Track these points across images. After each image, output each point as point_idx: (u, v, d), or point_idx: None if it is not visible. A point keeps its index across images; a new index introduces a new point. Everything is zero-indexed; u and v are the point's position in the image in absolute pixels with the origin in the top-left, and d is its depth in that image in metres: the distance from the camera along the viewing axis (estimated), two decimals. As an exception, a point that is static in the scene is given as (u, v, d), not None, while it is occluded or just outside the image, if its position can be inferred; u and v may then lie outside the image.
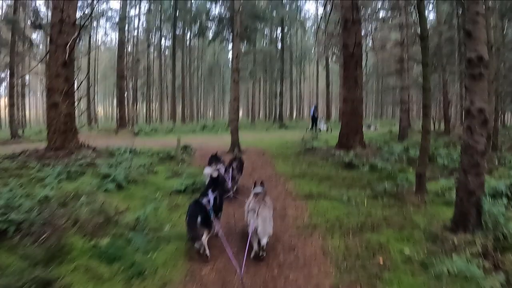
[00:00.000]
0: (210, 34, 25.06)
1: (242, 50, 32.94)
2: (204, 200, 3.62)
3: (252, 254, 3.31)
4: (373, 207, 4.92)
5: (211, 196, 3.73)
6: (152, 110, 47.87)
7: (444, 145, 11.29)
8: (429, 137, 5.72)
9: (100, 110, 69.26)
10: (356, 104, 9.76)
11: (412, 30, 15.38)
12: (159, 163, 8.72)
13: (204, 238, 3.41)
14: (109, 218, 4.10)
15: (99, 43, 40.88)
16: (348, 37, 9.80)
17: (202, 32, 24.73)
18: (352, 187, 6.12)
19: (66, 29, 9.54)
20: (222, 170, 5.82)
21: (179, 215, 4.62)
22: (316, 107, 20.70)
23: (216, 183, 4.17)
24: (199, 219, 3.35)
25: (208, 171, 5.42)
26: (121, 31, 24.64)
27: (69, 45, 9.18)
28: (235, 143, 10.93)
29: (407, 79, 14.36)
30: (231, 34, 17.50)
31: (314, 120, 19.74)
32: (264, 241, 3.22)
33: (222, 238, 3.42)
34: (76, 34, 9.36)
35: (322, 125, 20.59)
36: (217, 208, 3.81)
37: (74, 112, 9.74)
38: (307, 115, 58.21)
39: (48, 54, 9.81)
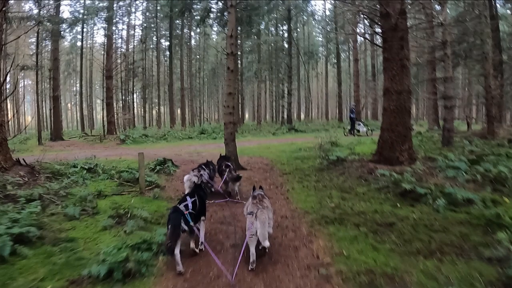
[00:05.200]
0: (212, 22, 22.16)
1: (247, 47, 30.28)
2: (181, 206, 3.41)
3: (250, 266, 3.03)
4: None
5: (189, 200, 3.53)
6: (152, 114, 45.47)
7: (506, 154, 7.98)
8: None
9: (103, 115, 66.94)
10: (403, 97, 6.70)
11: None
12: (116, 190, 5.86)
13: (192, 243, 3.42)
14: None
15: (95, 43, 38.36)
16: (388, 3, 6.84)
17: (188, 9, 21.65)
18: (443, 254, 3.12)
19: (-7, 4, 6.84)
20: (206, 176, 5.68)
21: None
22: (354, 107, 19.47)
23: (198, 188, 3.96)
24: (183, 226, 3.20)
25: (187, 178, 5.25)
26: (109, 24, 21.85)
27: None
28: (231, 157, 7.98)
29: (451, 68, 11.30)
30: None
31: (352, 121, 18.58)
32: (266, 244, 3.05)
33: (207, 247, 3.35)
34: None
35: (361, 127, 18.47)
36: (197, 213, 3.54)
37: (2, 119, 6.90)
38: (315, 117, 55.08)
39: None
